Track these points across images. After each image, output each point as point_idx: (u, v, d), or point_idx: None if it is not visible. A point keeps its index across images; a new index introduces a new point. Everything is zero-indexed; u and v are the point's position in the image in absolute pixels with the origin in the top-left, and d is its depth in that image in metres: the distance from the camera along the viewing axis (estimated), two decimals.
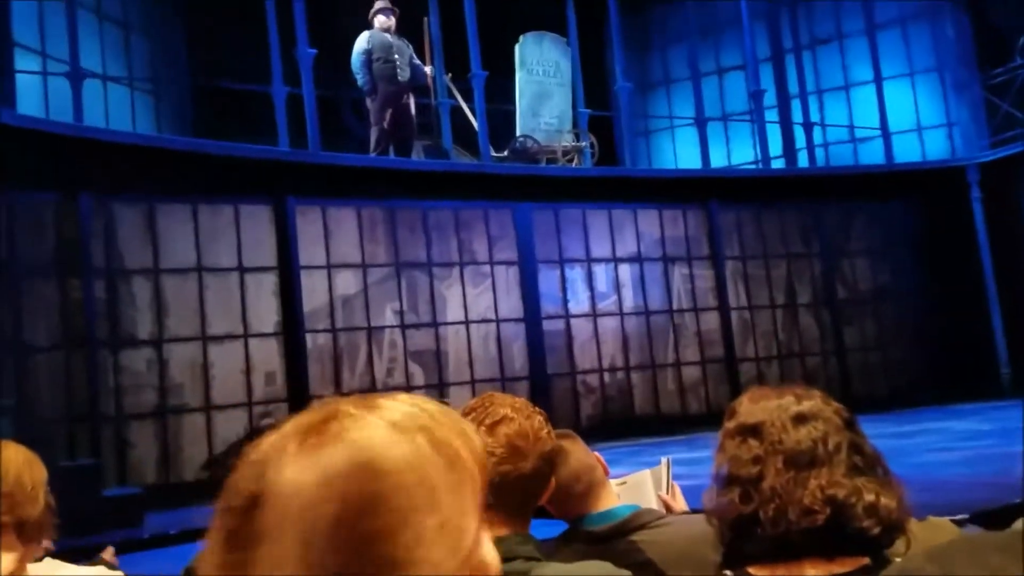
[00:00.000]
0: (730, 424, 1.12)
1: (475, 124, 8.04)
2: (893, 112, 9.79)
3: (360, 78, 7.55)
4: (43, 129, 5.56)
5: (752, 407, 1.12)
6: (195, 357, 6.28)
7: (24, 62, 6.07)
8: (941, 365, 9.11)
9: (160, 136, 7.41)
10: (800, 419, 1.05)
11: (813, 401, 1.10)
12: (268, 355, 6.57)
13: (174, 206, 6.33)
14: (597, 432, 7.63)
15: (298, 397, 6.51)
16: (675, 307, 8.41)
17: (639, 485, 1.67)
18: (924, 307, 9.31)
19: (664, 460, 1.70)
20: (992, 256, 9.05)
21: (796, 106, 9.66)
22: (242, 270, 6.55)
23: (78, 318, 5.78)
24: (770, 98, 9.55)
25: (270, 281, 6.67)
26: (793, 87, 9.84)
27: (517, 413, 1.20)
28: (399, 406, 0.47)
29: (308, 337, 6.73)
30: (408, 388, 7.12)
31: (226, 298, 6.45)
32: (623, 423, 7.85)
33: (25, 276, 5.62)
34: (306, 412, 0.46)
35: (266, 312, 6.61)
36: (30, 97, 6.08)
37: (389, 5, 7.60)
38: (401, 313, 7.25)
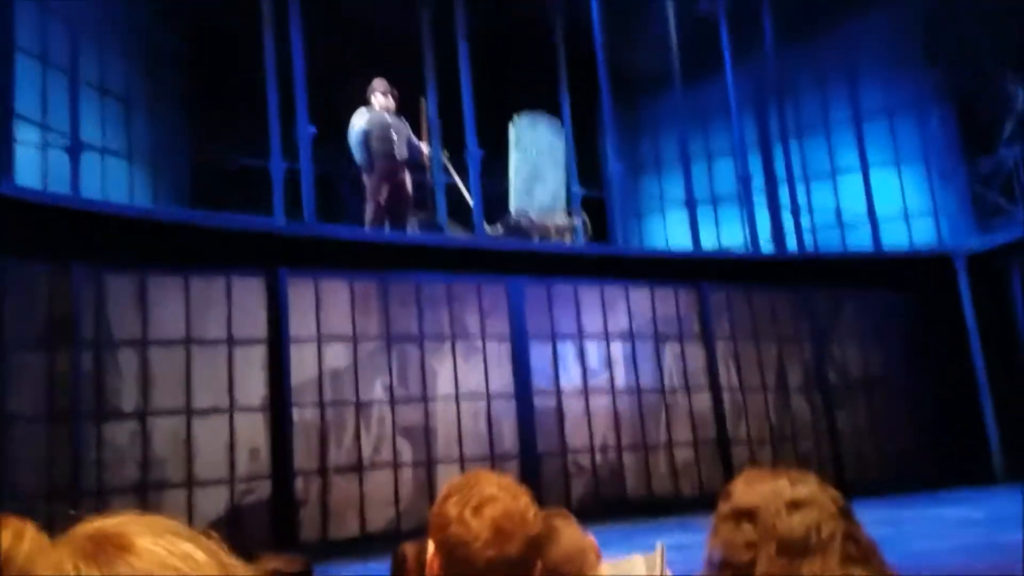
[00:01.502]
0: (725, 507, 1.09)
1: (470, 200, 8.14)
2: (880, 199, 9.99)
3: (358, 155, 7.68)
4: (39, 200, 5.60)
5: (747, 490, 1.10)
6: (179, 431, 6.18)
7: (25, 133, 6.15)
8: (933, 451, 9.05)
9: (154, 208, 7.47)
10: (795, 505, 1.03)
11: (809, 486, 1.08)
12: (253, 430, 6.47)
13: (166, 277, 6.32)
14: (589, 513, 7.45)
15: (282, 474, 6.39)
16: (667, 386, 8.36)
17: (631, 571, 1.62)
18: (915, 393, 9.30)
19: (659, 546, 1.66)
20: (981, 343, 9.10)
21: (784, 191, 9.85)
22: (231, 342, 6.51)
23: (64, 389, 5.71)
24: (758, 182, 9.75)
25: (259, 354, 6.61)
26: (781, 172, 10.06)
27: (503, 493, 1.17)
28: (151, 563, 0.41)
29: (295, 411, 6.64)
30: (396, 465, 7.00)
31: (213, 371, 6.39)
32: (615, 504, 7.70)
33: (13, 345, 5.57)
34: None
35: (253, 385, 6.54)
36: (29, 168, 6.15)
37: (388, 86, 7.80)
38: (391, 387, 7.17)
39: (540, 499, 1.22)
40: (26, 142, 6.10)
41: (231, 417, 6.37)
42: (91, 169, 6.55)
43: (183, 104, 8.48)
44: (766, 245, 9.55)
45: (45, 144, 6.29)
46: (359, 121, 7.74)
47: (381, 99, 7.81)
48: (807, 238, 9.89)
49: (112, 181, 7.27)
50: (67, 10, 6.73)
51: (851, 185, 10.38)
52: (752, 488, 1.10)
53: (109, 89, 7.53)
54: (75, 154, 6.00)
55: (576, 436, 7.83)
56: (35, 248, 5.68)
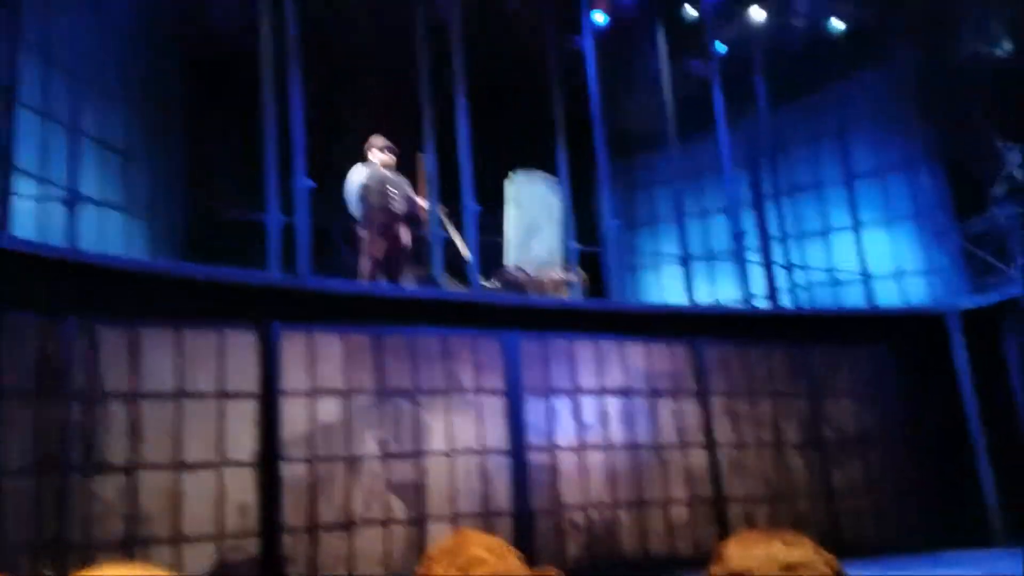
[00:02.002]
0: (718, 570, 1.07)
1: (466, 255, 8.19)
2: (872, 257, 10.09)
3: (355, 208, 7.76)
4: (33, 251, 5.61)
5: (742, 553, 1.09)
6: (167, 485, 6.08)
7: (23, 186, 6.20)
8: (930, 511, 8.96)
9: (148, 260, 7.48)
10: (789, 569, 1.02)
11: (803, 550, 1.07)
12: (243, 485, 6.37)
13: (159, 329, 6.30)
14: (583, 572, 7.36)
15: (271, 531, 6.28)
16: (663, 443, 8.29)
17: None
18: (912, 452, 9.24)
19: None
20: (978, 402, 9.06)
21: (778, 248, 9.94)
22: (223, 396, 6.45)
23: (53, 442, 5.64)
24: (752, 239, 9.83)
25: (250, 408, 6.56)
26: (774, 230, 10.17)
27: (491, 554, 1.15)
28: None
29: (285, 467, 6.56)
30: (387, 522, 6.88)
31: (204, 424, 6.32)
32: (610, 564, 7.58)
33: (4, 396, 5.52)
34: None
35: (244, 440, 6.46)
36: (26, 220, 6.18)
37: (387, 142, 7.92)
38: (383, 442, 7.10)
39: (534, 557, 1.20)
40: (25, 195, 6.14)
41: (220, 472, 6.29)
42: (89, 221, 6.58)
43: (181, 157, 8.58)
44: (760, 301, 9.59)
45: (44, 197, 6.33)
46: (357, 175, 7.84)
47: (379, 154, 7.92)
48: (801, 295, 9.95)
49: (109, 233, 7.30)
50: (70, 64, 6.85)
51: (844, 243, 10.49)
52: (747, 551, 1.09)
53: (108, 142, 7.62)
54: (73, 206, 6.04)
55: (571, 493, 7.73)
56: (29, 299, 5.67)
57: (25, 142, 6.21)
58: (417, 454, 7.18)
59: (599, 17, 9.75)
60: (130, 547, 5.85)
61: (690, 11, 10.18)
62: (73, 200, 6.06)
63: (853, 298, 10.25)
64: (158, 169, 8.27)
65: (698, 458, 8.40)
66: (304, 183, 7.20)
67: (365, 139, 8.01)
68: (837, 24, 10.34)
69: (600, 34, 9.54)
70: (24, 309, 5.69)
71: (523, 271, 8.53)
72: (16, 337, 5.66)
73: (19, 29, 6.51)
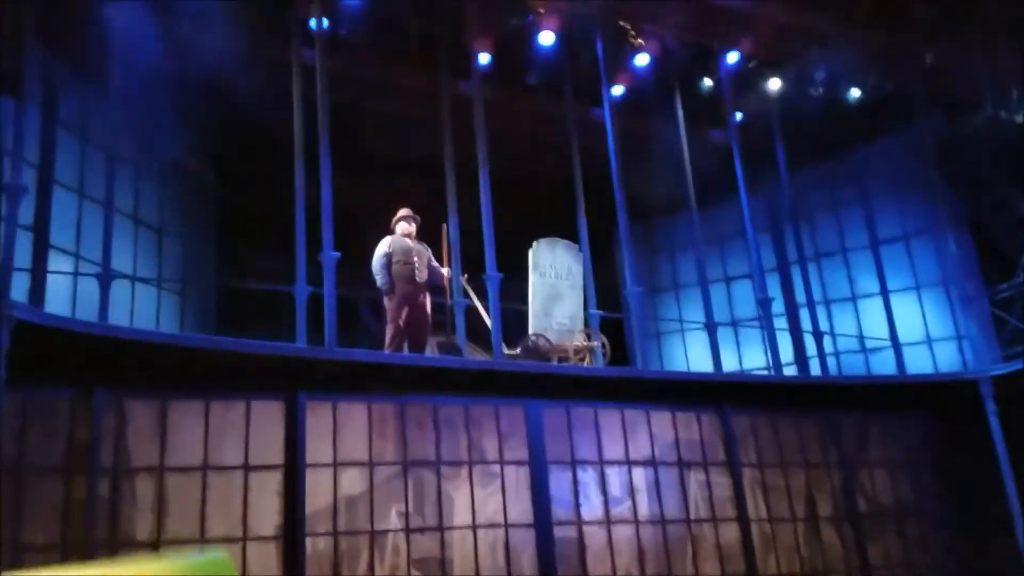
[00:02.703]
0: None
1: (488, 323, 8.20)
2: (901, 324, 9.97)
3: (380, 279, 7.84)
4: (65, 327, 5.70)
5: None
6: None
7: (57, 263, 6.33)
8: None
9: (176, 333, 7.58)
10: None
11: None
12: (266, 560, 6.30)
13: (187, 402, 6.34)
14: None
15: None
16: (692, 516, 8.10)
17: None
18: (948, 523, 8.98)
19: None
20: (1012, 469, 8.82)
21: (804, 314, 9.86)
22: (247, 468, 6.44)
23: (79, 518, 5.64)
24: (778, 306, 9.76)
25: (275, 480, 6.53)
26: (800, 296, 10.11)
27: None
28: None
29: (308, 541, 6.49)
30: None
31: (228, 498, 6.30)
32: None
33: (32, 472, 5.55)
34: None
35: (267, 513, 6.42)
36: (60, 296, 6.30)
37: (411, 213, 8.05)
38: (406, 515, 7.01)
39: None
40: (59, 271, 6.27)
41: (244, 547, 6.23)
42: (121, 296, 6.70)
43: (214, 232, 8.75)
44: (788, 369, 9.46)
45: (77, 273, 6.46)
46: (382, 247, 7.94)
47: (404, 226, 8.04)
48: (830, 362, 9.82)
49: (141, 307, 7.42)
50: (106, 143, 7.05)
51: (871, 309, 10.39)
52: None
53: (142, 219, 7.80)
54: (106, 282, 6.15)
55: (598, 568, 7.54)
56: (60, 374, 5.74)
57: (60, 219, 6.37)
58: (440, 528, 7.08)
59: (617, 89, 9.93)
60: None
61: (707, 81, 10.33)
62: (106, 276, 6.17)
63: (882, 365, 10.11)
64: (190, 244, 8.44)
65: (729, 532, 8.19)
66: (331, 255, 7.30)
67: (390, 210, 8.13)
68: (855, 92, 10.44)
69: (619, 104, 9.70)
70: (55, 383, 5.76)
71: (545, 338, 8.51)
72: (45, 412, 5.72)
73: (56, 109, 6.76)
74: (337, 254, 7.35)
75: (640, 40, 9.62)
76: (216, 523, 6.21)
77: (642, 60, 9.78)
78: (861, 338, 10.47)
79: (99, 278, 6.17)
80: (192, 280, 8.27)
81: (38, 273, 5.66)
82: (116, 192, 6.64)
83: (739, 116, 10.31)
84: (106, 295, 6.10)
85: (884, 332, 9.99)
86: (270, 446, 6.58)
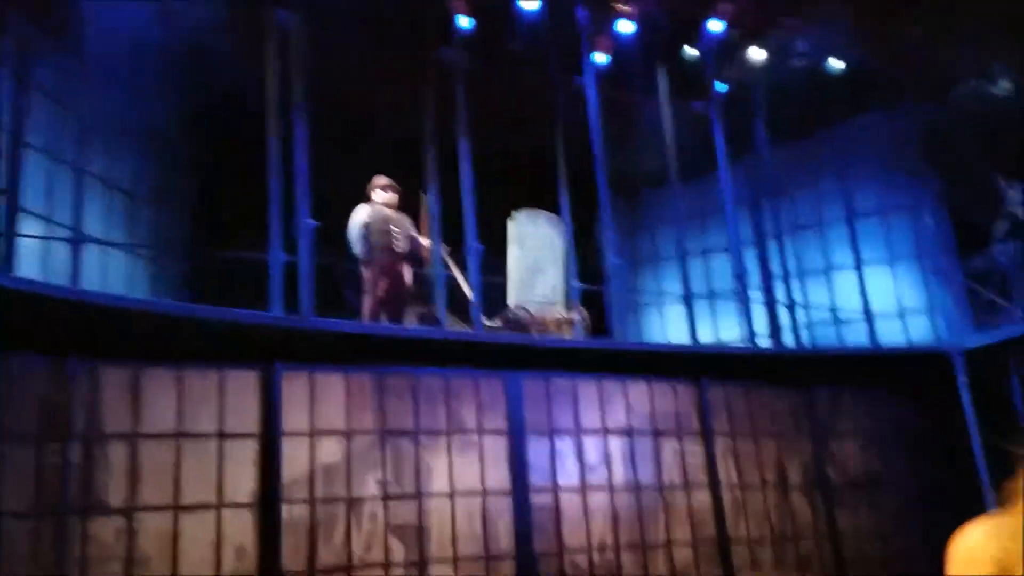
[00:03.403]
0: None
1: (469, 295, 8.19)
2: (875, 296, 10.08)
3: (357, 248, 7.79)
4: (36, 291, 5.63)
5: None
6: (165, 528, 6.03)
7: (29, 226, 6.24)
8: (936, 554, 8.81)
9: (150, 300, 7.51)
10: None
11: None
12: (241, 527, 6.31)
13: (160, 370, 6.30)
14: None
15: (269, 573, 6.21)
16: (666, 483, 8.21)
17: None
18: (917, 494, 9.13)
19: None
20: (982, 443, 8.97)
21: (780, 286, 9.93)
22: (222, 436, 6.43)
23: (53, 485, 5.62)
24: (754, 279, 9.83)
25: (250, 448, 6.53)
26: (777, 268, 10.18)
27: None
28: None
29: (284, 508, 6.50)
30: (387, 565, 6.80)
31: (203, 465, 6.29)
32: None
33: (5, 438, 5.51)
34: None
35: (243, 481, 6.42)
36: (31, 261, 6.22)
37: (390, 182, 7.98)
38: (384, 483, 7.04)
39: None
40: (30, 235, 6.19)
41: (219, 514, 6.24)
42: (93, 262, 6.62)
43: (186, 197, 8.66)
44: (763, 341, 9.56)
45: (48, 237, 6.38)
46: (359, 215, 7.89)
47: (382, 194, 7.97)
48: (804, 334, 9.92)
49: (113, 273, 7.34)
50: (79, 107, 6.94)
51: (846, 282, 10.50)
52: None
53: (114, 183, 7.70)
54: (77, 247, 6.08)
55: (573, 535, 7.64)
56: (32, 340, 5.69)
57: (31, 183, 6.27)
58: (418, 496, 7.12)
59: (600, 57, 9.86)
60: None
61: (691, 51, 10.29)
62: (77, 240, 6.10)
63: (856, 337, 10.23)
64: (163, 209, 8.34)
65: (702, 499, 8.31)
66: (307, 222, 7.24)
67: (368, 178, 8.07)
68: (836, 64, 10.44)
69: (602, 74, 9.65)
70: (26, 349, 5.70)
71: (526, 310, 8.53)
72: (18, 378, 5.66)
73: (29, 72, 6.63)
74: (313, 222, 7.29)
75: (625, 6, 9.55)
76: (191, 490, 6.20)
77: (626, 27, 9.71)
78: (834, 310, 10.57)
79: (70, 242, 6.10)
80: (165, 247, 8.19)
81: (8, 236, 5.58)
82: (89, 156, 6.54)
83: (722, 88, 10.29)
84: (77, 260, 6.03)
85: (858, 305, 10.10)
86: (246, 415, 6.57)
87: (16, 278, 5.61)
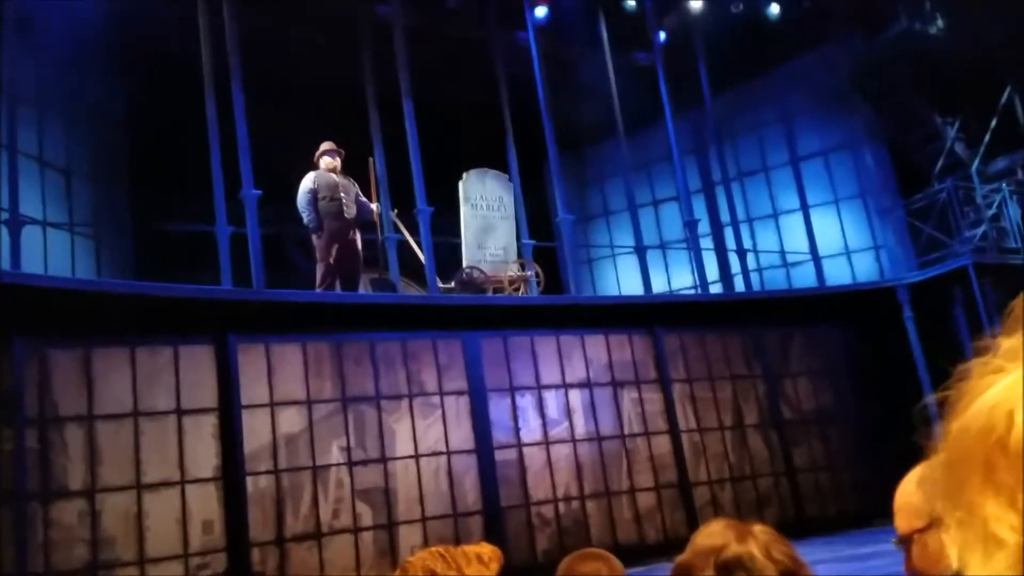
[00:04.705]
0: (679, 559, 1.10)
1: (422, 257, 8.16)
2: (821, 237, 10.30)
3: (306, 216, 7.66)
4: None
5: (693, 544, 1.11)
6: (129, 507, 5.98)
7: None
8: (888, 484, 9.14)
9: (97, 280, 7.34)
10: (725, 569, 1.04)
11: (749, 548, 1.06)
12: (206, 502, 6.29)
13: (111, 350, 6.19)
14: (554, 566, 7.39)
15: (237, 546, 6.21)
16: (626, 432, 8.37)
17: None
18: (868, 427, 9.44)
19: None
20: (929, 374, 9.29)
21: (729, 234, 10.08)
22: (180, 412, 6.37)
23: (8, 470, 5.51)
24: (704, 227, 9.96)
25: (209, 423, 6.48)
26: (725, 216, 10.32)
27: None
28: None
29: (249, 480, 6.49)
30: (356, 530, 6.85)
31: (163, 443, 6.23)
32: None
33: None
34: None
35: (205, 456, 6.38)
36: None
37: (335, 147, 7.84)
38: (348, 450, 7.06)
39: (505, 554, 1.21)
40: None
41: (183, 490, 6.21)
42: (33, 243, 6.43)
43: (125, 173, 8.41)
44: (714, 287, 9.73)
45: None
46: (306, 182, 7.75)
47: (328, 160, 7.84)
48: (754, 278, 10.11)
49: (54, 254, 7.13)
50: (7, 82, 6.66)
51: (793, 225, 10.69)
52: (696, 543, 1.11)
53: (49, 161, 7.44)
54: (15, 228, 5.89)
55: (539, 488, 7.77)
56: None
57: None
58: (383, 459, 7.16)
59: (540, 11, 9.77)
60: (94, 572, 5.75)
61: (631, 2, 10.25)
62: (15, 222, 5.91)
63: (804, 279, 10.46)
64: (102, 186, 8.10)
65: (662, 445, 8.51)
66: (252, 192, 7.11)
67: (314, 146, 7.93)
68: (774, 8, 10.50)
69: (543, 28, 9.57)
70: None
71: (480, 270, 8.53)
72: None
73: None
74: (258, 192, 7.16)
75: None
76: (152, 468, 6.15)
77: None
78: (783, 253, 10.78)
79: (8, 224, 5.91)
80: (106, 224, 7.97)
81: None
82: (19, 134, 6.31)
83: (663, 37, 10.29)
84: (16, 242, 5.85)
85: (805, 247, 10.32)
86: (203, 390, 6.50)
87: None
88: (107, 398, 6.09)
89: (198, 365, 6.53)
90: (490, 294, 8.45)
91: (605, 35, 9.87)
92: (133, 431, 6.14)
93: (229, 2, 7.37)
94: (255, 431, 6.66)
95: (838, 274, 10.39)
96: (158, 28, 7.72)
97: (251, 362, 6.79)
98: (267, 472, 6.63)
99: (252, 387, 6.72)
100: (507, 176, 9.16)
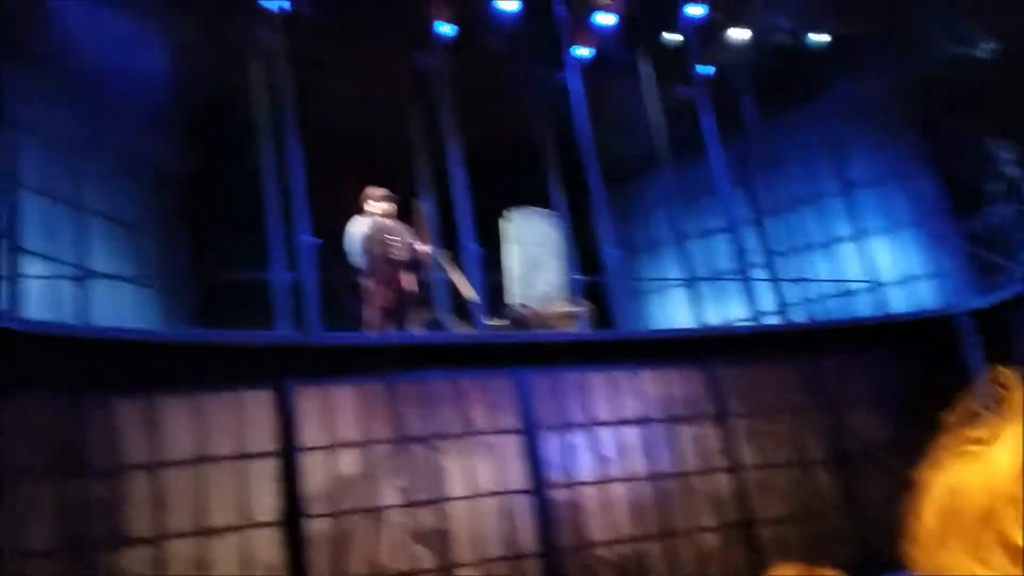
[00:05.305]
0: None
1: (470, 296, 8.22)
2: (877, 265, 10.11)
3: (358, 260, 7.81)
4: (46, 331, 5.65)
5: None
6: (194, 553, 6.06)
7: (33, 267, 6.25)
8: None
9: (160, 330, 7.53)
10: None
11: None
12: (269, 546, 6.34)
13: (175, 397, 6.32)
14: None
15: None
16: (685, 469, 8.23)
17: None
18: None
19: None
20: None
21: (782, 263, 9.96)
22: (242, 457, 6.45)
23: (77, 520, 5.63)
24: (756, 256, 9.86)
25: (270, 466, 6.55)
26: (777, 245, 10.21)
27: None
28: None
29: (309, 523, 6.53)
30: (414, 572, 6.83)
31: (226, 488, 6.32)
32: None
33: (24, 477, 5.53)
34: None
35: (266, 500, 6.45)
36: (38, 300, 6.23)
37: (386, 192, 8.00)
38: (404, 491, 7.07)
39: None
40: (34, 275, 6.20)
41: (246, 534, 6.27)
42: (100, 296, 6.64)
43: (187, 225, 8.66)
44: (769, 318, 9.58)
45: (53, 276, 6.39)
46: (357, 227, 7.91)
47: (377, 205, 7.99)
48: (810, 308, 9.96)
49: (121, 306, 7.35)
50: (70, 142, 6.94)
51: (848, 253, 10.52)
52: None
53: (114, 216, 7.70)
54: (83, 283, 6.09)
55: (597, 529, 7.67)
56: (45, 378, 5.70)
57: (30, 223, 6.28)
58: (438, 501, 7.15)
59: (581, 51, 9.88)
60: None
61: (671, 37, 10.31)
62: (82, 276, 6.11)
63: (862, 307, 10.26)
64: (164, 239, 8.35)
65: (723, 483, 8.33)
66: (307, 240, 7.26)
67: (362, 191, 8.08)
68: (819, 37, 10.47)
69: (584, 66, 9.66)
70: (40, 388, 5.72)
71: (528, 307, 8.56)
72: (33, 417, 5.68)
73: (11, 112, 6.62)
74: (314, 239, 7.31)
75: None
76: (215, 514, 6.23)
77: (605, 19, 9.73)
78: (838, 282, 10.61)
79: (76, 279, 6.11)
80: (169, 275, 8.21)
81: (13, 279, 5.60)
82: (84, 190, 6.55)
83: (706, 70, 10.31)
84: (85, 296, 6.04)
85: (862, 275, 10.14)
86: (263, 434, 6.59)
87: (24, 320, 5.62)
88: (171, 445, 6.21)
89: (258, 409, 6.63)
90: (539, 331, 8.45)
91: (646, 70, 9.92)
92: (196, 477, 6.24)
93: (282, 60, 7.60)
94: (313, 474, 6.71)
95: (897, 303, 10.18)
96: (215, 88, 7.99)
97: (309, 405, 6.88)
98: (326, 515, 6.67)
99: (310, 430, 6.80)
100: (553, 213, 9.22)
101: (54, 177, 6.81)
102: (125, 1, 7.45)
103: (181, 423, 6.30)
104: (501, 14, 9.34)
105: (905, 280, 10.39)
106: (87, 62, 7.07)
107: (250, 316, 7.24)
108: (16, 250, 5.78)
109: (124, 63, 7.39)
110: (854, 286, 10.44)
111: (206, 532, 6.15)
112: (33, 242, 6.40)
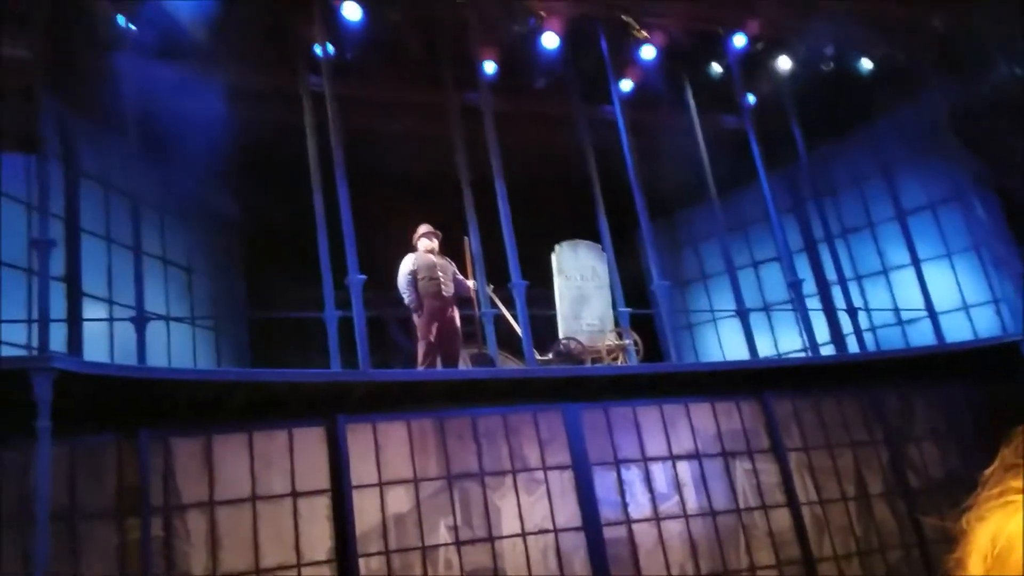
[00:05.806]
0: None
1: (519, 331, 8.21)
2: (936, 292, 9.83)
3: (407, 296, 7.89)
4: (105, 373, 5.80)
5: None
6: None
7: (92, 310, 6.44)
8: None
9: (214, 369, 7.67)
10: None
11: None
12: None
13: (230, 435, 6.41)
14: None
15: None
16: (742, 505, 8.03)
17: None
18: None
19: None
20: None
21: (837, 292, 9.75)
22: (295, 495, 6.50)
23: (135, 559, 5.72)
24: (809, 286, 9.66)
25: (323, 504, 6.58)
26: (831, 274, 10.01)
27: None
28: None
29: (361, 562, 6.52)
30: None
31: (279, 526, 6.36)
32: None
33: (84, 517, 5.65)
34: None
35: (319, 538, 6.47)
36: (97, 342, 6.41)
37: (432, 229, 8.10)
38: (455, 528, 7.03)
39: None
40: (94, 318, 6.38)
41: (299, 573, 6.28)
42: (157, 337, 6.81)
43: (240, 266, 8.87)
44: (825, 348, 9.36)
45: (112, 319, 6.57)
46: (406, 264, 8.01)
47: (426, 242, 8.09)
48: (867, 338, 9.71)
49: (176, 346, 7.53)
50: (128, 188, 7.18)
51: (904, 281, 10.26)
52: None
53: (172, 260, 7.93)
54: (140, 325, 6.25)
55: (651, 566, 7.51)
56: (103, 419, 5.84)
57: (90, 267, 6.48)
58: (490, 538, 7.08)
59: (626, 84, 9.91)
60: None
61: (716, 67, 10.28)
62: (140, 319, 6.27)
63: (921, 336, 9.98)
64: (220, 281, 8.56)
65: (781, 518, 8.10)
66: (357, 278, 7.36)
67: (410, 229, 8.19)
68: (866, 64, 10.34)
69: (629, 100, 9.69)
70: (100, 429, 5.86)
71: (577, 341, 8.50)
72: (92, 457, 5.81)
73: (76, 160, 6.88)
74: (363, 277, 7.40)
75: (644, 33, 9.60)
76: (270, 552, 6.26)
77: (648, 53, 9.76)
78: (896, 311, 10.33)
79: (134, 321, 6.28)
80: (224, 315, 8.39)
81: (74, 322, 5.78)
82: (143, 235, 6.75)
83: (752, 99, 10.24)
84: (142, 337, 6.20)
85: (919, 303, 9.86)
86: (315, 472, 6.63)
87: (84, 362, 5.79)
88: (227, 483, 6.28)
89: (311, 447, 6.69)
90: (588, 365, 8.39)
91: (692, 102, 9.90)
92: (251, 516, 6.29)
93: (331, 104, 7.79)
94: (365, 511, 6.72)
95: (956, 330, 9.87)
96: (266, 132, 8.21)
97: (359, 442, 6.91)
98: (378, 553, 6.65)
99: (361, 467, 6.82)
100: (599, 246, 9.19)
101: (113, 222, 7.04)
102: (182, 52, 7.73)
103: (236, 461, 6.38)
104: (545, 51, 9.43)
105: (965, 307, 10.08)
106: (147, 111, 7.33)
107: (303, 354, 7.34)
108: (76, 294, 5.96)
109: (181, 111, 7.64)
110: (912, 315, 10.16)
111: (261, 572, 6.18)
112: (93, 285, 6.60)
